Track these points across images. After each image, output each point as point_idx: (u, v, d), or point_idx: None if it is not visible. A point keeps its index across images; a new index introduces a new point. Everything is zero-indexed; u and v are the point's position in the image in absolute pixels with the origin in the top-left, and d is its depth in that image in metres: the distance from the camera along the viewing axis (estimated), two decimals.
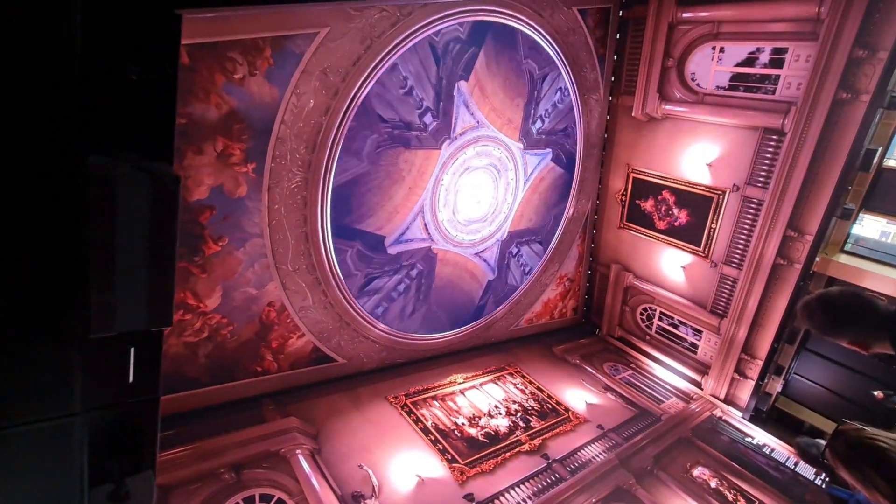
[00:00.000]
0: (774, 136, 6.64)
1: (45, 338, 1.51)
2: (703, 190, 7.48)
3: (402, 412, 6.33)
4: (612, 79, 8.05)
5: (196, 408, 5.56)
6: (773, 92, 6.59)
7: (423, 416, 6.32)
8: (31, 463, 1.60)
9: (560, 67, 7.24)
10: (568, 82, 7.47)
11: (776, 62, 6.52)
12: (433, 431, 6.06)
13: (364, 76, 5.39)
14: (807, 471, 6.43)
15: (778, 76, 6.52)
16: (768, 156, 6.74)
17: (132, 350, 1.62)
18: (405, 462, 5.51)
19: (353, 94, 5.39)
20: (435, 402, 6.70)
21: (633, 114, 7.91)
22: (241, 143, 4.95)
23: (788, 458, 6.64)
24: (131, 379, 1.65)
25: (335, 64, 5.16)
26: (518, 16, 6.36)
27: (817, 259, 6.64)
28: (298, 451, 5.36)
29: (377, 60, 5.41)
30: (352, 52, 5.22)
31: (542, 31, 6.74)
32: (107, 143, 1.42)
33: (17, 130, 1.34)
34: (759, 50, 6.64)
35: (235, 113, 4.81)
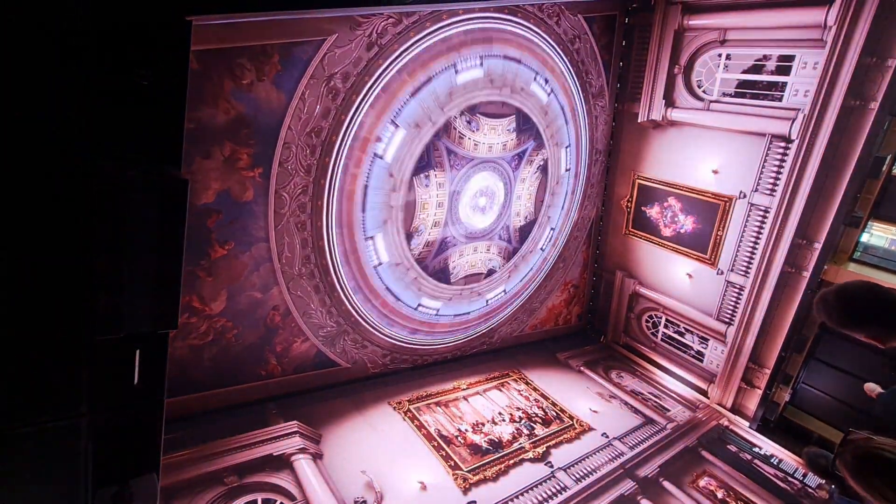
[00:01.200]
0: (782, 143, 6.60)
1: (53, 340, 1.52)
2: (709, 197, 7.44)
3: (406, 417, 6.30)
4: (618, 85, 8.05)
5: (200, 411, 5.57)
6: (781, 99, 6.56)
7: (426, 421, 6.29)
8: (38, 463, 1.61)
9: (566, 73, 7.26)
10: (574, 88, 7.48)
11: (783, 69, 6.50)
12: (436, 437, 6.03)
13: (371, 82, 5.43)
14: (815, 482, 6.33)
15: (785, 83, 6.50)
16: (776, 163, 6.70)
17: (138, 352, 1.63)
18: (408, 468, 5.48)
19: (359, 100, 5.42)
20: (438, 407, 6.67)
21: (638, 120, 7.90)
22: (248, 147, 5.00)
23: (797, 470, 6.54)
24: (137, 381, 1.66)
25: (342, 70, 5.20)
26: (524, 23, 6.39)
27: (826, 267, 6.57)
28: (301, 456, 5.34)
29: (384, 67, 5.45)
30: (359, 59, 5.26)
31: (548, 38, 6.77)
32: (117, 147, 1.44)
33: (27, 135, 1.36)
34: (765, 57, 6.62)
35: (243, 118, 4.86)
